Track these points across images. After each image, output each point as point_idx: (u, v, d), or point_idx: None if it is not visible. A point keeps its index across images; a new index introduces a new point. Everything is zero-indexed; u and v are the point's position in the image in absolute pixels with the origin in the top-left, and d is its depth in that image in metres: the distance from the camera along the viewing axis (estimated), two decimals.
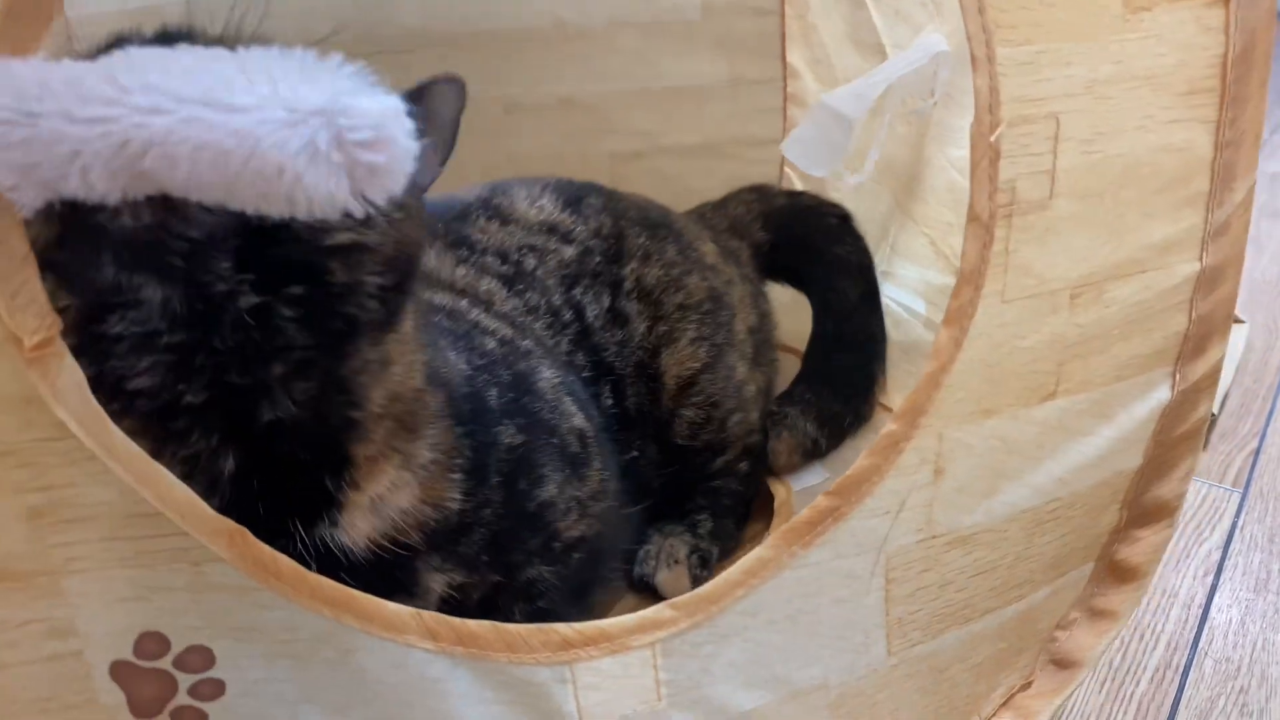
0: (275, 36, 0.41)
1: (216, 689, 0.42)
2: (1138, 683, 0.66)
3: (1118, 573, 0.55)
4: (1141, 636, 0.69)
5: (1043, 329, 0.48)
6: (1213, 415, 0.95)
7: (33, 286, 0.37)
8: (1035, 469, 0.51)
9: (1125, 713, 0.63)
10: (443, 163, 0.48)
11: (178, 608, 0.41)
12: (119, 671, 0.41)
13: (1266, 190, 1.79)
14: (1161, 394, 0.53)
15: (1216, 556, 0.78)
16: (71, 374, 0.37)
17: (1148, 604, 0.72)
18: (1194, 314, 0.52)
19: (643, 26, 0.93)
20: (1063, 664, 0.56)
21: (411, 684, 0.44)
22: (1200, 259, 0.51)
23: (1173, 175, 0.49)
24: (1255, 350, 1.18)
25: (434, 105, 0.47)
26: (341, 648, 0.43)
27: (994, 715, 0.55)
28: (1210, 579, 0.76)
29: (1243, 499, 0.85)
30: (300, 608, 0.42)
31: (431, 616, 0.44)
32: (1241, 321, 1.18)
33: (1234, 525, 0.82)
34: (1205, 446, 0.92)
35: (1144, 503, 0.55)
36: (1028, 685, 0.56)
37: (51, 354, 0.37)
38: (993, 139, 0.44)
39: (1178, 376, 0.53)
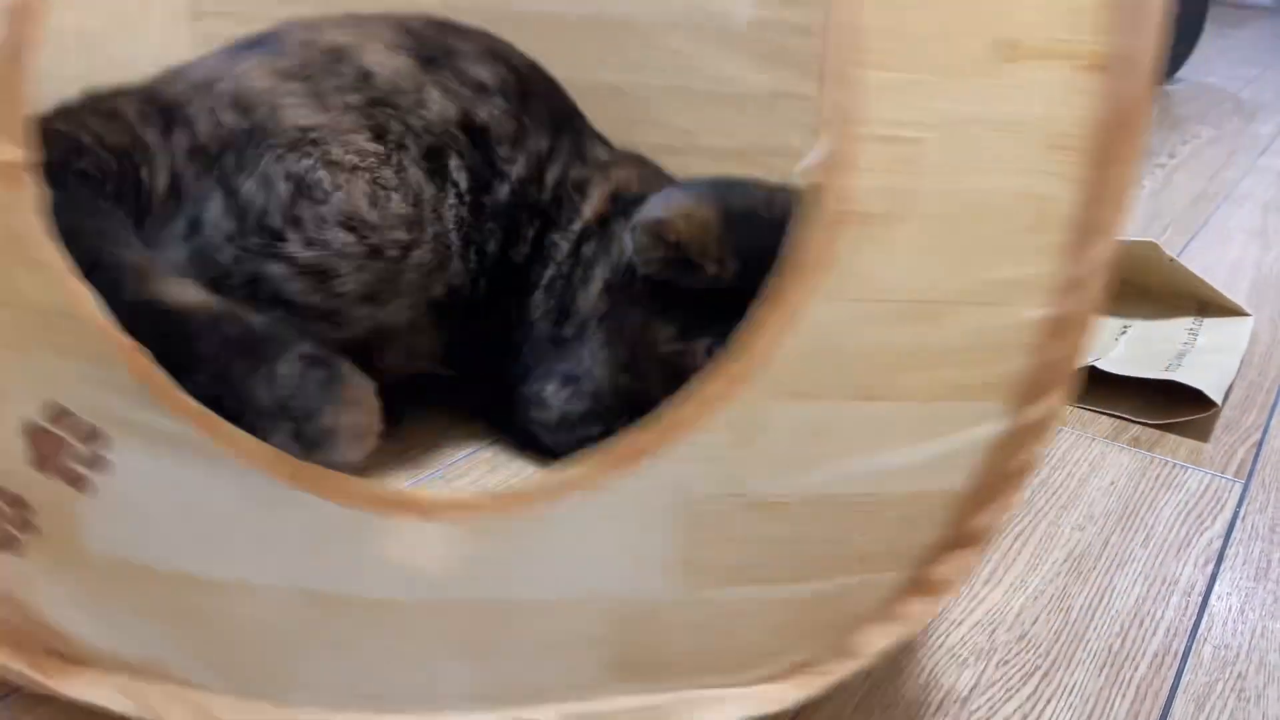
0: None
1: (101, 464, 0.52)
2: (1136, 667, 0.70)
3: (925, 586, 0.59)
4: (1141, 623, 0.73)
5: (869, 335, 0.53)
6: (1217, 406, 1.00)
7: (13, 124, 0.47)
8: (846, 460, 0.55)
9: (1124, 697, 0.67)
10: None
11: (82, 392, 0.51)
12: (32, 431, 0.52)
13: (1275, 186, 1.77)
14: (992, 426, 0.56)
15: (1218, 545, 0.82)
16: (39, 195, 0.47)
17: (1148, 590, 0.77)
18: (1036, 359, 0.55)
19: (692, 29, 0.98)
20: (844, 653, 0.60)
21: (250, 494, 0.52)
22: (1049, 306, 0.54)
23: (1030, 221, 0.52)
24: (1260, 343, 1.20)
25: None
26: (204, 457, 0.52)
27: (777, 678, 0.60)
28: (1210, 567, 0.79)
29: (1245, 489, 0.89)
30: (171, 416, 0.51)
31: (272, 450, 0.52)
32: (1248, 315, 1.18)
33: (1235, 515, 0.85)
34: (1208, 438, 0.98)
35: (965, 526, 0.58)
36: (820, 662, 0.60)
37: (20, 177, 0.48)
38: (831, 150, 0.49)
39: (1012, 414, 0.56)
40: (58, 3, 0.47)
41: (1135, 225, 1.49)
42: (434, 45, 0.74)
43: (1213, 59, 2.57)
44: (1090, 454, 0.96)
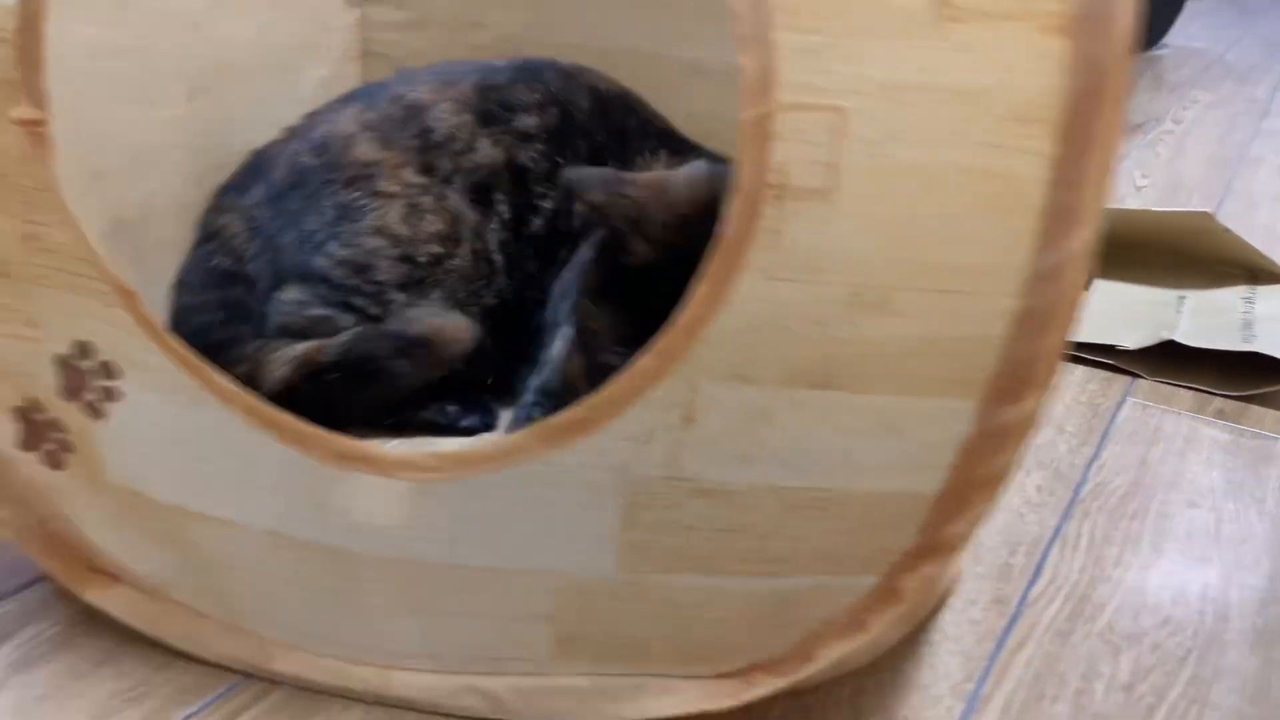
0: None
1: (116, 395, 0.59)
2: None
3: (891, 594, 0.55)
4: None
5: (813, 317, 0.50)
6: None
7: (36, 87, 0.54)
8: (795, 449, 0.52)
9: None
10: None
11: (99, 330, 0.58)
12: (61, 361, 0.59)
13: None
14: (961, 426, 0.51)
15: None
16: (56, 153, 0.54)
17: (1275, 566, 0.76)
18: (1010, 354, 0.50)
19: None
20: (806, 656, 0.56)
21: (230, 439, 0.57)
22: (1020, 297, 0.49)
23: (988, 201, 0.48)
24: None
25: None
26: (189, 398, 0.57)
27: (731, 675, 0.58)
28: None
29: None
30: (164, 356, 0.57)
31: (250, 398, 0.57)
32: None
33: None
34: None
35: (937, 533, 0.54)
36: (777, 663, 0.57)
37: (44, 135, 0.55)
38: (749, 116, 0.46)
39: (981, 414, 0.51)
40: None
41: (1159, 194, 1.49)
42: (496, 103, 0.87)
43: (1193, 22, 2.41)
44: (1180, 429, 0.93)
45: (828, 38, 0.46)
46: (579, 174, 0.75)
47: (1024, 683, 0.63)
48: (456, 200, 0.85)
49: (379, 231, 0.83)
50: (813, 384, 0.51)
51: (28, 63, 0.54)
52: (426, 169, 0.85)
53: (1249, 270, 1.19)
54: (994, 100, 0.46)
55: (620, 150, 0.85)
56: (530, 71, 0.90)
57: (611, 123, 0.87)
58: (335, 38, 1.08)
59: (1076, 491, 0.82)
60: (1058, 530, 0.77)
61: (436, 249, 0.84)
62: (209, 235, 0.87)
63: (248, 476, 0.58)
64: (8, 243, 0.58)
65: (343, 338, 0.81)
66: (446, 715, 0.60)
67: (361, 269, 0.83)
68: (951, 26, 0.45)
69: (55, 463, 0.62)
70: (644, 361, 0.52)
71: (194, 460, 0.59)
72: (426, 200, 0.84)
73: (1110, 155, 0.46)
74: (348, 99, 0.92)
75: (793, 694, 0.59)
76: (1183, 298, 1.14)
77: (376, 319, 0.83)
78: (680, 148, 0.89)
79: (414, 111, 0.88)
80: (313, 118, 0.91)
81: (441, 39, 1.11)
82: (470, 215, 0.85)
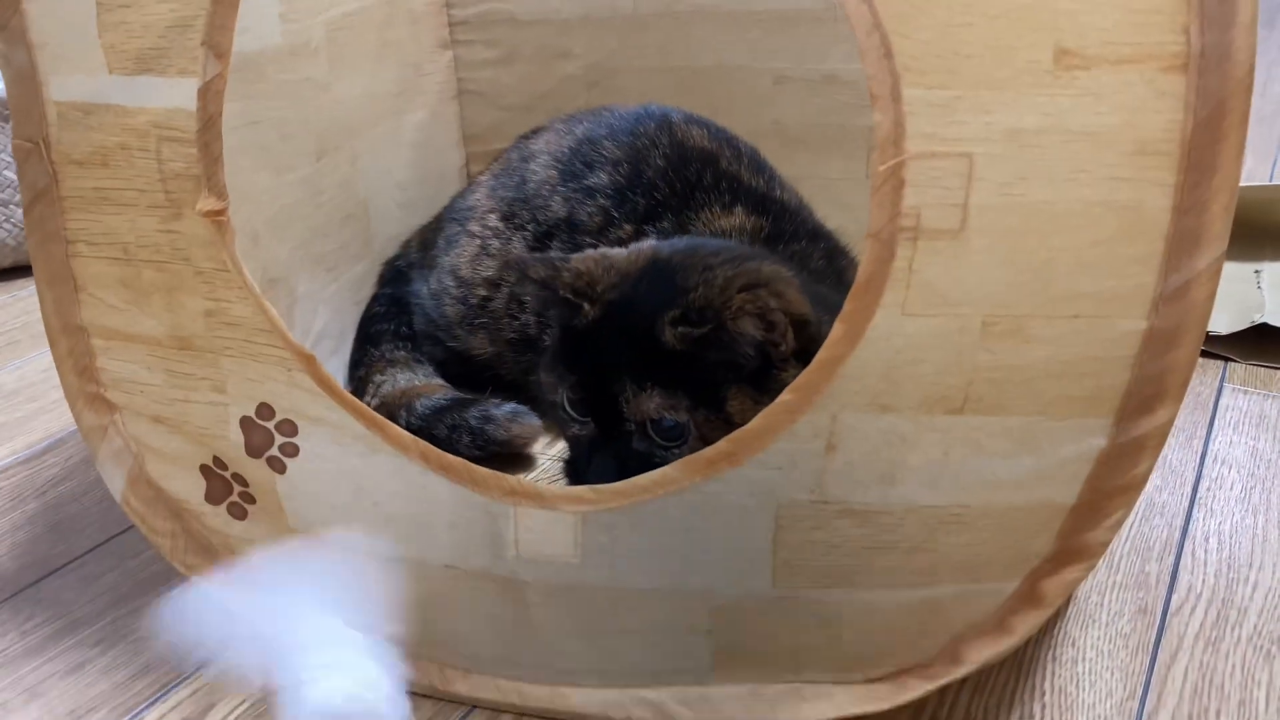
0: None
1: (294, 451, 0.64)
2: None
3: (1032, 598, 0.58)
4: None
5: (948, 347, 0.53)
6: None
7: (217, 179, 0.59)
8: (935, 471, 0.56)
9: None
10: None
11: (279, 392, 0.63)
12: (245, 422, 0.65)
13: None
14: (1096, 440, 0.54)
15: None
16: (235, 237, 0.60)
17: None
18: (1140, 372, 0.53)
19: None
20: (955, 659, 0.60)
21: (407, 483, 0.62)
22: (1148, 318, 0.51)
23: (1114, 231, 0.50)
24: None
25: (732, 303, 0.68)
26: (368, 447, 0.62)
27: (882, 679, 0.62)
28: None
29: None
30: (346, 413, 0.62)
31: (424, 445, 0.62)
32: None
33: None
34: None
35: (1074, 541, 0.57)
36: (925, 667, 0.61)
37: (225, 222, 0.60)
38: (883, 168, 0.50)
39: (1116, 429, 0.54)
40: None
41: None
42: (581, 159, 0.93)
43: None
44: None
45: (955, 91, 0.49)
46: (521, 259, 0.82)
47: (1185, 696, 0.65)
48: (518, 246, 0.93)
49: (453, 271, 0.96)
50: (950, 410, 0.55)
51: (208, 158, 0.60)
52: (508, 217, 0.95)
53: None
54: (1118, 138, 0.49)
55: (682, 205, 0.88)
56: (631, 124, 0.94)
57: (683, 179, 0.89)
58: (431, 81, 1.13)
59: (1195, 490, 0.83)
60: (1185, 532, 0.79)
61: (483, 292, 0.94)
62: (404, 242, 1.06)
63: (424, 516, 0.63)
64: (192, 319, 0.63)
65: (427, 406, 0.90)
66: None
67: (437, 302, 0.97)
68: (1075, 74, 0.48)
69: (239, 514, 0.68)
70: (785, 397, 0.56)
71: (372, 504, 0.64)
72: (494, 244, 0.94)
73: (1233, 179, 0.49)
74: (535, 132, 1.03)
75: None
76: (1259, 271, 1.14)
77: (448, 347, 0.97)
78: (760, 207, 0.89)
79: (524, 160, 0.96)
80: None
81: (532, 72, 1.15)
82: None
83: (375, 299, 1.03)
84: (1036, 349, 0.53)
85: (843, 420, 0.55)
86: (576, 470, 0.74)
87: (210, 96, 0.58)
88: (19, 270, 1.33)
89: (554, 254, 0.85)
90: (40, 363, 1.09)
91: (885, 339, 0.53)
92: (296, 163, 0.90)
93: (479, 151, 1.18)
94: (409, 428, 0.86)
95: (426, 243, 1.03)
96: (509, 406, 0.90)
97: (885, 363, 0.54)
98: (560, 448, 0.90)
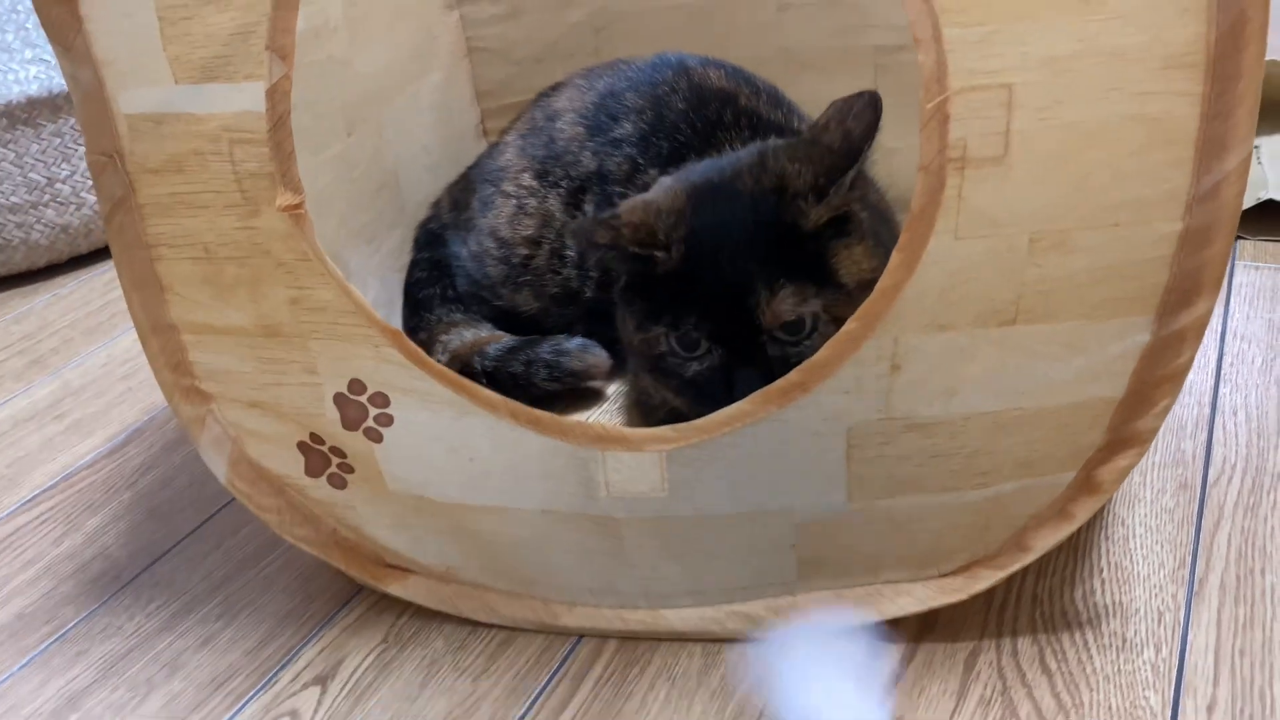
0: None
1: (389, 420, 0.69)
2: None
3: (1089, 485, 0.63)
4: None
5: (999, 265, 0.57)
6: None
7: (291, 175, 0.63)
8: (992, 379, 0.60)
9: None
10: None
11: (368, 368, 0.68)
12: (338, 398, 0.69)
13: None
14: (1140, 337, 0.59)
15: None
16: (314, 226, 0.63)
17: None
18: (1178, 269, 0.57)
19: None
20: (1021, 547, 0.65)
21: (499, 440, 0.67)
22: (1183, 219, 0.55)
23: (1147, 142, 0.54)
24: None
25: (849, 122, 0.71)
26: (459, 411, 0.67)
27: (955, 573, 0.67)
28: None
29: None
30: (435, 381, 0.66)
31: (512, 403, 0.66)
32: None
33: None
34: None
35: (1124, 430, 0.61)
36: (994, 557, 0.66)
37: (303, 214, 0.64)
38: (929, 106, 0.53)
39: (1158, 324, 0.58)
40: None
41: None
42: (606, 113, 0.96)
43: None
44: None
45: (991, 26, 0.52)
46: (574, 227, 0.84)
47: (1230, 561, 0.70)
48: (554, 203, 0.96)
49: (492, 233, 0.99)
50: (1003, 322, 0.59)
51: (281, 156, 0.63)
52: (541, 175, 0.97)
53: None
54: (1146, 54, 0.52)
55: (704, 144, 0.90)
56: (649, 73, 0.97)
57: (704, 119, 0.92)
58: (442, 43, 1.15)
59: (1219, 367, 0.88)
60: (1214, 408, 0.83)
61: (524, 251, 0.98)
62: (433, 204, 1.08)
63: (517, 468, 0.68)
64: (277, 308, 0.67)
65: (494, 349, 0.94)
66: (716, 639, 0.70)
67: (479, 262, 1.01)
68: (1100, 1, 0.51)
69: (339, 484, 0.73)
70: (848, 326, 0.60)
71: (467, 462, 0.69)
72: (531, 203, 0.97)
73: (1255, 83, 0.52)
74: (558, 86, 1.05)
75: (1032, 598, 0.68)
76: (1256, 146, 1.16)
77: (494, 306, 1.01)
78: (763, 130, 0.92)
79: (550, 119, 0.99)
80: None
81: (539, 23, 1.17)
82: (560, 217, 0.96)
83: (415, 264, 1.06)
84: (1080, 259, 0.57)
85: (904, 342, 0.60)
86: (714, 400, 0.68)
87: (278, 97, 0.61)
88: (54, 269, 1.35)
89: (599, 214, 0.87)
90: (100, 357, 1.13)
91: (940, 263, 0.57)
92: (330, 141, 0.92)
93: (493, 107, 1.20)
94: (483, 370, 0.93)
95: (457, 203, 1.05)
96: (578, 340, 0.94)
97: (941, 285, 0.58)
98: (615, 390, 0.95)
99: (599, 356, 0.93)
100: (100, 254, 1.36)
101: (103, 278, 1.32)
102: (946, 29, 0.53)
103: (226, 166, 0.64)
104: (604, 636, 0.71)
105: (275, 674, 0.71)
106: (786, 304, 0.71)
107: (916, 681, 0.65)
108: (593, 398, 0.96)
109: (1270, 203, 1.07)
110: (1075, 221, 0.56)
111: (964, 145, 0.55)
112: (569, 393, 0.94)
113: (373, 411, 0.69)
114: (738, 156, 0.79)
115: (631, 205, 0.78)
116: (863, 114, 0.71)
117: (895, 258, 0.58)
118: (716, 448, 0.64)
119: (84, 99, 0.65)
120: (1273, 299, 0.96)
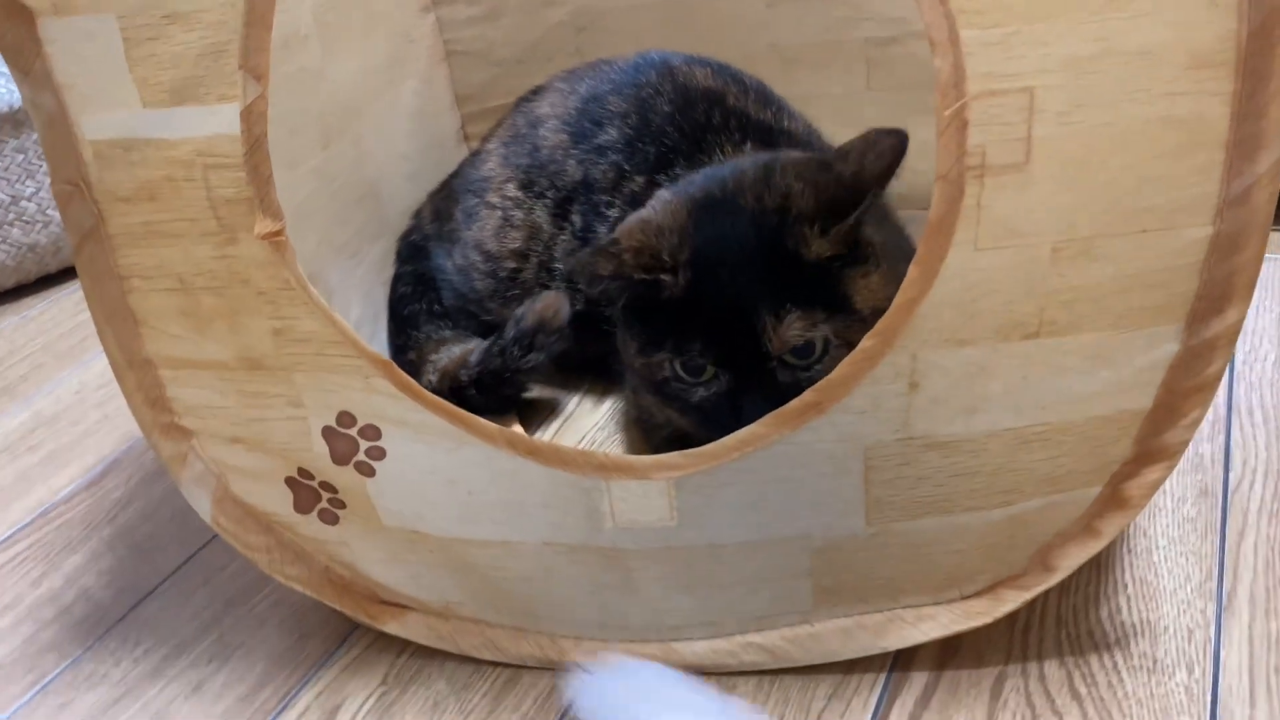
0: None
1: (381, 454, 0.65)
2: None
3: (1116, 501, 0.60)
4: None
5: (1020, 277, 0.55)
6: None
7: (270, 200, 0.59)
8: (1015, 395, 0.57)
9: None
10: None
11: (358, 400, 0.64)
12: (327, 432, 0.66)
13: None
14: (1169, 347, 0.56)
15: None
16: (294, 252, 0.60)
17: None
18: (1208, 276, 0.54)
19: None
20: (1047, 567, 0.63)
21: (498, 471, 0.64)
22: (1213, 224, 0.53)
23: (1175, 144, 0.51)
24: None
25: (868, 158, 0.67)
26: (455, 442, 0.64)
27: (979, 595, 0.64)
28: None
29: None
30: (429, 412, 0.63)
31: (510, 432, 0.63)
32: None
33: None
34: None
35: (1152, 443, 0.59)
36: (1018, 577, 0.64)
37: (284, 241, 0.60)
38: (947, 112, 0.51)
39: (1187, 333, 0.56)
40: None
41: None
42: (589, 119, 0.92)
43: None
44: None
45: (1010, 28, 0.49)
46: (573, 265, 0.78)
47: (1259, 571, 0.68)
48: (541, 215, 0.93)
49: (478, 246, 0.95)
50: (1026, 335, 0.56)
51: (259, 180, 0.59)
52: (526, 185, 0.94)
53: None
54: (1173, 53, 0.50)
55: (693, 149, 0.87)
56: (632, 74, 0.93)
57: (690, 121, 0.88)
58: (419, 47, 1.11)
59: (1231, 364, 0.86)
60: (1230, 408, 0.81)
61: (512, 264, 0.94)
62: (414, 214, 1.04)
63: (517, 499, 0.65)
64: (260, 340, 0.64)
65: (474, 358, 0.91)
66: (732, 672, 0.67)
67: (466, 276, 0.97)
68: None
69: (330, 519, 0.70)
70: (864, 344, 0.57)
71: (465, 495, 0.66)
72: (517, 215, 0.94)
73: None
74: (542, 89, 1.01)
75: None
76: None
77: (482, 321, 0.97)
78: (770, 140, 0.88)
79: (533, 126, 0.95)
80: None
81: (518, 23, 1.14)
82: (548, 229, 0.93)
83: (399, 278, 1.02)
84: (1106, 267, 0.54)
85: (923, 358, 0.57)
86: (720, 426, 0.65)
87: (254, 118, 0.58)
88: (22, 290, 1.31)
89: (596, 243, 0.81)
90: (72, 383, 1.09)
91: (959, 276, 0.55)
92: (306, 155, 0.89)
93: (474, 111, 1.17)
94: (471, 381, 0.90)
95: (439, 213, 1.02)
96: (525, 304, 0.90)
97: (960, 298, 0.55)
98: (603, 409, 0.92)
99: (546, 299, 0.89)
100: (69, 273, 1.32)
101: (72, 298, 1.28)
102: (964, 31, 0.50)
103: (201, 193, 0.60)
104: None
105: None
106: (794, 330, 0.67)
107: (942, 711, 0.62)
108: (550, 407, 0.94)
109: None
110: (1100, 229, 0.53)
111: (983, 152, 0.52)
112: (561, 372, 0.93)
113: (364, 445, 0.66)
114: (740, 167, 0.75)
115: (629, 227, 0.74)
116: (884, 154, 0.67)
117: (912, 270, 0.55)
118: (727, 473, 0.61)
119: (46, 125, 0.61)
120: None
